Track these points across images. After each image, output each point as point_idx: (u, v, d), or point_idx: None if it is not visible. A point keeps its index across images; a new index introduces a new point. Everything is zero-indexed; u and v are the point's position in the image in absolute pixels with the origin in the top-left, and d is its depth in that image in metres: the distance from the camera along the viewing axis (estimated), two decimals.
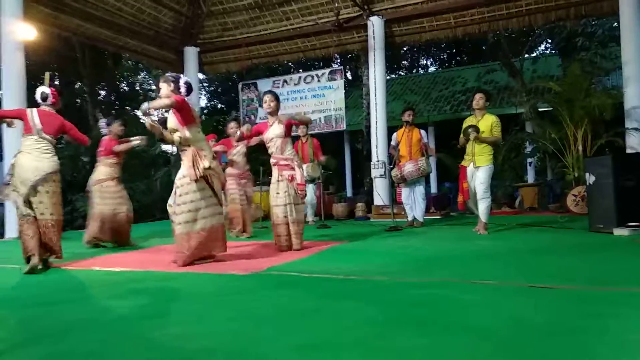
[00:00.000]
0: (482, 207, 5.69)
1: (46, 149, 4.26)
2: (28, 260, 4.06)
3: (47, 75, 4.69)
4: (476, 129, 5.62)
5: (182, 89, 4.30)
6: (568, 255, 4.04)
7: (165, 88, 4.27)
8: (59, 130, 4.46)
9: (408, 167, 6.79)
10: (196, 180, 4.13)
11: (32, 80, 12.04)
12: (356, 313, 2.34)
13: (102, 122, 6.07)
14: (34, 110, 4.35)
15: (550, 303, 2.39)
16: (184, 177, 4.18)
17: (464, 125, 5.85)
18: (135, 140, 5.95)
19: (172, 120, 4.28)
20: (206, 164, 4.15)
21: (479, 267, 3.59)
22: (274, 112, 5.06)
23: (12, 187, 4.15)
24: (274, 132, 4.98)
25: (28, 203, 4.11)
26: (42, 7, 9.23)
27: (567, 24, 11.44)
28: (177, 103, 4.10)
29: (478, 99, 5.82)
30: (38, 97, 4.42)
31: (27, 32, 7.98)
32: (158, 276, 3.71)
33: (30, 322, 2.42)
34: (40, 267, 4.06)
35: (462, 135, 5.87)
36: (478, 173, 5.67)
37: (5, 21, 7.78)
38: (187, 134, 4.27)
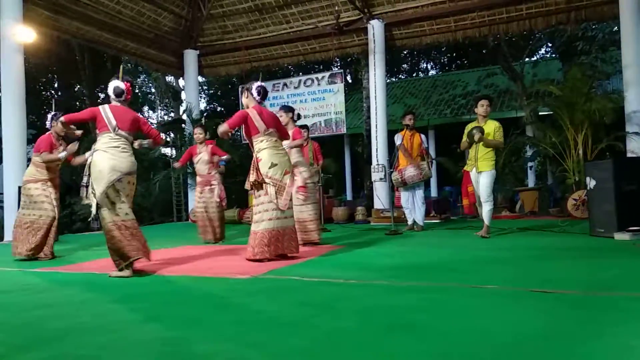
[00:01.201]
0: (485, 211, 5.83)
1: (124, 147, 3.97)
2: (126, 267, 3.78)
3: (121, 68, 4.49)
4: (480, 129, 5.72)
5: (256, 95, 4.65)
6: (568, 260, 4.02)
7: (243, 97, 4.62)
8: (134, 125, 4.12)
9: (410, 171, 6.77)
10: (257, 187, 4.40)
11: (31, 82, 12.03)
12: (356, 317, 2.32)
13: (49, 115, 5.36)
14: (106, 106, 4.07)
15: (551, 308, 2.37)
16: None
17: (467, 130, 5.93)
18: (63, 153, 5.13)
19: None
20: (252, 177, 4.41)
21: (479, 271, 3.57)
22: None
23: (91, 188, 3.87)
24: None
25: (112, 204, 3.82)
26: (42, 10, 9.25)
27: (567, 28, 11.44)
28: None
29: (486, 106, 5.91)
30: (111, 92, 4.12)
31: (26, 34, 7.97)
32: (157, 280, 3.68)
33: (28, 326, 2.40)
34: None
35: (464, 139, 5.94)
36: (481, 178, 5.79)
37: (5, 24, 7.79)
38: (253, 143, 4.57)
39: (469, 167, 5.99)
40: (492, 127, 5.81)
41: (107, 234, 3.80)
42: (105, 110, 4.01)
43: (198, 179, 6.56)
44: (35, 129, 14.90)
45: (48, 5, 9.31)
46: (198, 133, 6.53)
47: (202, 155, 6.47)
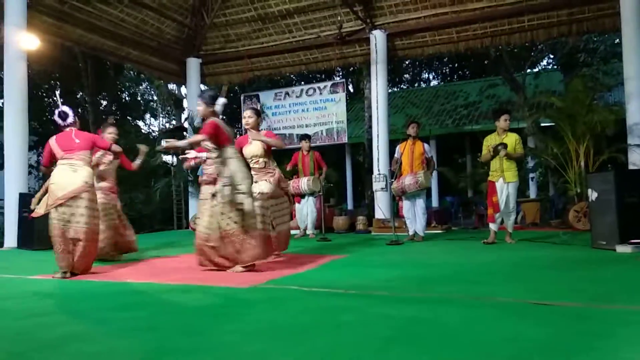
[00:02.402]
0: (512, 219, 6.33)
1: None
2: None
3: (224, 88, 4.64)
4: (505, 146, 6.08)
5: (219, 109, 4.41)
6: (570, 272, 3.99)
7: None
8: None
9: (407, 180, 6.78)
10: None
11: (34, 89, 12.07)
12: (356, 328, 2.30)
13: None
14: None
15: (551, 320, 2.36)
16: None
17: (487, 143, 6.33)
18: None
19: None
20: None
21: (479, 283, 3.55)
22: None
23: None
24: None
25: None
26: (46, 17, 9.28)
27: (569, 40, 11.48)
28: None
29: (508, 121, 6.31)
30: (219, 109, 4.38)
31: (30, 41, 7.99)
32: (156, 288, 3.66)
33: (26, 334, 2.39)
34: None
35: (485, 151, 6.32)
36: (509, 188, 6.15)
37: (9, 30, 7.82)
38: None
39: (495, 178, 6.24)
40: (513, 140, 6.20)
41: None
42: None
43: (103, 184, 5.73)
44: (37, 135, 14.93)
45: (52, 13, 9.34)
46: (113, 133, 5.77)
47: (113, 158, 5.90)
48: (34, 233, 6.96)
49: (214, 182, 4.64)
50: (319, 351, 1.97)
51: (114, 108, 18.58)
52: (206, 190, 4.93)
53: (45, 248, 7.14)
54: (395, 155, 7.10)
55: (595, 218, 5.53)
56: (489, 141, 6.30)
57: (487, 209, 6.50)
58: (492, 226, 6.31)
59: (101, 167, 5.59)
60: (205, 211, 4.48)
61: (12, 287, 3.92)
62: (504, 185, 6.14)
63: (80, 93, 17.72)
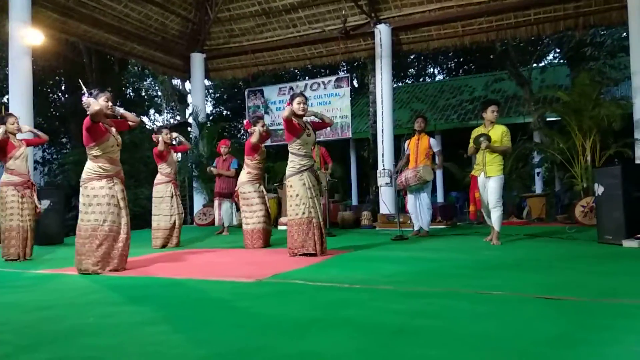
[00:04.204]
0: (495, 217, 5.71)
1: None
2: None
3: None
4: (488, 137, 5.64)
5: None
6: (576, 267, 3.97)
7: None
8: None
9: (408, 173, 6.73)
10: None
11: (39, 85, 12.08)
12: (361, 322, 2.29)
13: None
14: None
15: (559, 314, 2.34)
16: None
17: (473, 135, 5.87)
18: None
19: None
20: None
21: (485, 277, 3.53)
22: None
23: None
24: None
25: None
26: (51, 13, 9.30)
27: (575, 34, 11.38)
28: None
29: (495, 112, 5.83)
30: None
31: (35, 37, 8.01)
32: (161, 282, 3.68)
33: (34, 327, 2.40)
34: None
35: (471, 144, 5.89)
36: (490, 183, 5.69)
37: (14, 26, 7.84)
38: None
39: (477, 172, 5.92)
40: (499, 132, 5.73)
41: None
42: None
43: (14, 179, 5.50)
44: (41, 131, 14.96)
45: (56, 8, 9.36)
46: (15, 123, 5.58)
47: (24, 150, 5.67)
48: (39, 229, 6.99)
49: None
50: (324, 345, 1.96)
51: (118, 103, 18.58)
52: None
53: (50, 243, 7.21)
54: (405, 151, 7.06)
55: (601, 213, 5.51)
56: (475, 134, 5.85)
57: (469, 205, 6.24)
58: (489, 222, 5.98)
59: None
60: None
61: (19, 281, 3.95)
62: (485, 180, 5.73)
63: (84, 89, 17.73)
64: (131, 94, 20.91)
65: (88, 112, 4.10)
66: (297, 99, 5.08)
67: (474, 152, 5.91)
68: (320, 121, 5.36)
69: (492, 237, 5.79)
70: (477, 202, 5.88)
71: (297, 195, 4.88)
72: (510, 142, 5.81)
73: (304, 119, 5.17)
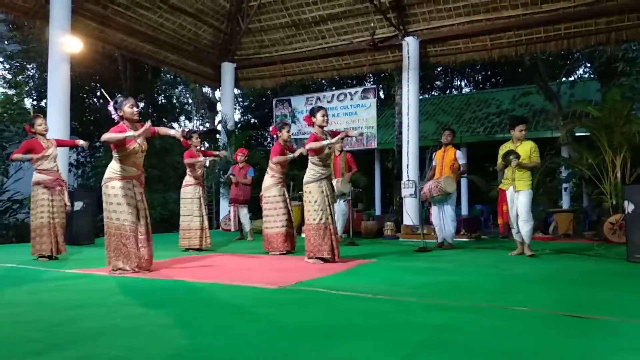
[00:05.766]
0: (525, 230, 5.81)
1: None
2: None
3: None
4: (517, 155, 5.74)
5: None
6: (603, 285, 3.91)
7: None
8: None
9: (430, 184, 6.75)
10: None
11: (75, 90, 12.48)
12: (383, 333, 2.31)
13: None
14: None
15: (583, 333, 2.32)
16: None
17: (501, 151, 5.96)
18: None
19: None
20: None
21: (510, 292, 3.51)
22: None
23: None
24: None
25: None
26: (89, 22, 9.62)
27: (607, 48, 11.20)
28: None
29: (524, 132, 5.92)
30: None
31: (73, 44, 8.30)
32: (187, 286, 3.76)
33: (63, 325, 2.49)
34: None
35: (499, 161, 5.97)
36: (519, 197, 5.80)
37: (54, 34, 8.15)
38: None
39: (505, 186, 5.99)
40: (527, 148, 5.82)
41: None
42: None
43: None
44: (77, 135, 15.42)
45: (95, 17, 9.68)
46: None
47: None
48: (72, 229, 7.24)
49: None
50: (345, 355, 1.98)
51: (150, 110, 19.04)
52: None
53: (81, 243, 7.43)
54: (433, 162, 7.11)
55: (631, 231, 5.40)
56: (504, 150, 5.98)
57: (498, 219, 6.29)
58: (517, 237, 6.03)
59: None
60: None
61: (52, 281, 4.07)
62: (514, 194, 5.86)
63: (119, 95, 18.22)
64: (163, 100, 21.39)
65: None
66: (322, 112, 5.32)
67: (502, 168, 5.99)
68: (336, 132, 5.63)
69: (525, 250, 5.88)
70: (504, 215, 5.88)
71: (316, 201, 5.16)
72: (539, 158, 5.91)
73: (325, 129, 5.43)
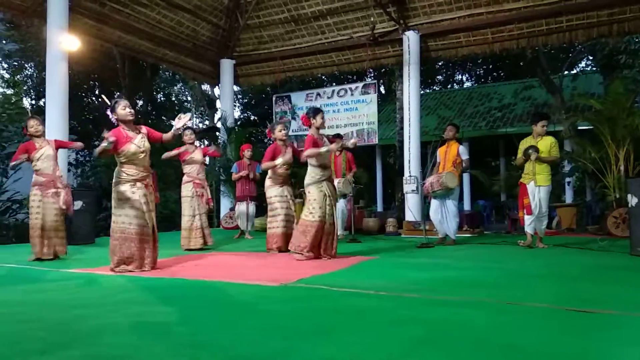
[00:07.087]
0: (544, 225, 6.25)
1: None
2: None
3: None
4: (536, 149, 6.04)
5: None
6: (607, 279, 3.88)
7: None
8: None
9: (432, 179, 6.72)
10: None
11: (74, 89, 12.43)
12: (385, 329, 2.29)
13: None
14: None
15: (587, 328, 2.29)
16: None
17: (522, 146, 6.27)
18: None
19: None
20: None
21: (512, 287, 3.49)
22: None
23: None
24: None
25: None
26: (87, 19, 9.58)
27: (609, 41, 11.13)
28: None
29: (545, 127, 6.22)
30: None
31: (71, 42, 8.25)
32: (190, 284, 3.76)
33: (66, 324, 2.47)
34: None
35: (519, 155, 6.29)
36: (541, 192, 6.08)
37: (52, 32, 8.10)
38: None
39: (526, 180, 6.19)
40: (548, 143, 6.10)
41: None
42: None
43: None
44: (76, 134, 15.40)
45: (92, 15, 9.63)
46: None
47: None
48: (71, 228, 7.20)
49: None
50: (348, 351, 1.97)
51: (149, 108, 19.00)
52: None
53: (81, 243, 7.40)
54: (437, 158, 7.06)
55: (635, 224, 5.35)
56: (524, 145, 6.25)
57: (519, 211, 6.43)
58: (528, 229, 6.22)
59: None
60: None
61: (55, 280, 4.06)
62: (535, 188, 6.09)
63: (118, 93, 18.21)
64: (162, 98, 21.36)
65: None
66: (322, 114, 5.40)
67: (522, 162, 6.24)
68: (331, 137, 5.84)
69: (537, 242, 6.22)
70: (527, 207, 6.07)
71: (315, 200, 5.20)
72: (558, 153, 6.27)
73: (321, 132, 5.48)
